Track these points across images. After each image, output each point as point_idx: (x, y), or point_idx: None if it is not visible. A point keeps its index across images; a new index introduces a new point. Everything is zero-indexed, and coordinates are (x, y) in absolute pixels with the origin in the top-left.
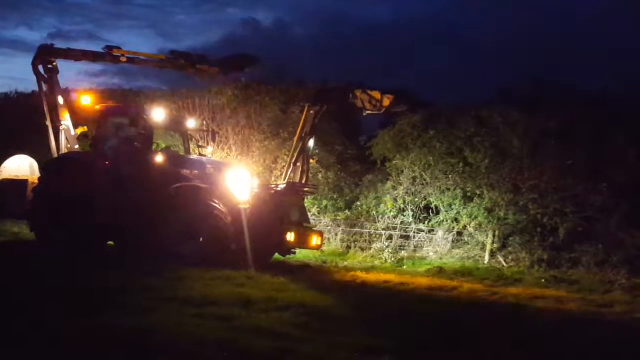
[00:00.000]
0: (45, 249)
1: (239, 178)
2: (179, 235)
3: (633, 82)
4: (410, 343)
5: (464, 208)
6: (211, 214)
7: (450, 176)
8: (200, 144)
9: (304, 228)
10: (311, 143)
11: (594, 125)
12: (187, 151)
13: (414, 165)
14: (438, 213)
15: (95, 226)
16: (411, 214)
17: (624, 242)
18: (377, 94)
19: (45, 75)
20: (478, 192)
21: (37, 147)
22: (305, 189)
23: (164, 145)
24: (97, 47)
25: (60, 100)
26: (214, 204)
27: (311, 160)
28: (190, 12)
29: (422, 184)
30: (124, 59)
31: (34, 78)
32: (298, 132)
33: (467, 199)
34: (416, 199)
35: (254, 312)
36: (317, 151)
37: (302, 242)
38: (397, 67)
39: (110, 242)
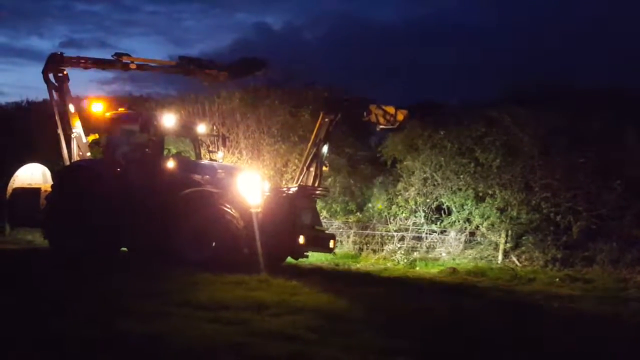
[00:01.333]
0: (60, 256)
1: (250, 182)
2: (192, 241)
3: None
4: (426, 345)
5: (476, 208)
6: (223, 219)
7: (462, 176)
8: (210, 148)
9: (315, 231)
10: (325, 149)
11: (605, 121)
12: (198, 156)
13: (424, 165)
14: (450, 214)
15: (108, 232)
16: (423, 214)
17: (638, 240)
18: (391, 109)
19: (56, 84)
20: (490, 192)
21: (49, 155)
22: (317, 192)
23: (174, 151)
24: (108, 55)
25: (72, 108)
26: (225, 209)
27: (324, 167)
28: (199, 18)
29: (434, 185)
30: (133, 66)
31: (45, 86)
32: (312, 137)
33: (479, 199)
34: (428, 200)
35: (267, 315)
36: (328, 155)
37: (314, 245)
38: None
39: (124, 248)
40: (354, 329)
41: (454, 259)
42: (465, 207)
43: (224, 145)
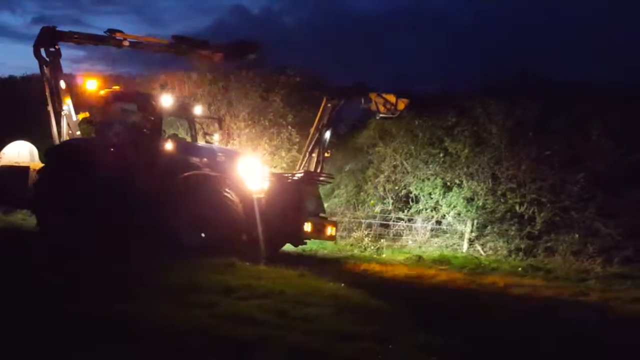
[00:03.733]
0: (47, 236)
1: (251, 167)
2: (189, 225)
3: (616, 71)
4: (388, 328)
5: (443, 197)
6: (222, 204)
7: (431, 165)
8: (205, 131)
9: (320, 218)
10: (327, 135)
11: (570, 115)
12: (194, 138)
13: (395, 153)
14: (417, 202)
15: (100, 214)
16: (391, 202)
17: (599, 232)
18: (392, 98)
19: (47, 59)
20: (457, 182)
21: (29, 133)
22: (321, 178)
23: (171, 132)
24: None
25: (62, 84)
26: (225, 193)
27: (326, 153)
28: None
29: (403, 172)
30: (126, 43)
31: (14, 63)
32: (315, 123)
33: (447, 188)
34: (396, 187)
35: (234, 299)
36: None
37: (318, 233)
38: (384, 55)
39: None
40: (318, 314)
41: (420, 247)
42: (432, 196)
43: (220, 127)
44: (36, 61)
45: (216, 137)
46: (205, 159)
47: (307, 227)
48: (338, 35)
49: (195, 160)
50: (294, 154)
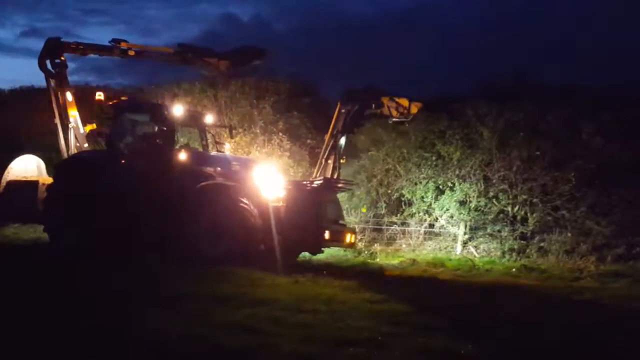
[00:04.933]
0: (59, 250)
1: (267, 175)
2: (206, 236)
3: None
4: (383, 333)
5: (435, 200)
6: (239, 213)
7: (423, 169)
8: (216, 139)
9: (339, 225)
10: (342, 141)
11: (560, 115)
12: (205, 148)
13: (388, 157)
14: (410, 205)
15: (114, 228)
16: (384, 205)
17: (591, 230)
18: (404, 101)
19: (53, 71)
20: (450, 185)
21: (33, 146)
22: (340, 184)
23: (184, 141)
24: None
25: (69, 96)
26: (242, 203)
27: (342, 160)
28: (161, 7)
29: (395, 176)
30: (132, 53)
31: (3, 76)
32: (330, 129)
33: (439, 191)
34: (389, 191)
35: (228, 307)
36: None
37: (338, 240)
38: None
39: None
40: (312, 320)
41: (414, 250)
42: (425, 199)
43: (232, 136)
44: (30, 72)
45: (227, 146)
46: (219, 169)
47: (327, 234)
48: (329, 41)
49: (209, 170)
50: (286, 159)
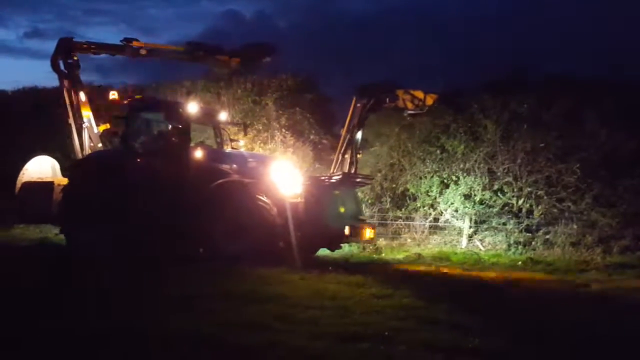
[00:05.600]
0: (77, 251)
1: (284, 171)
2: (226, 234)
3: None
4: (392, 329)
5: (440, 194)
6: (257, 210)
7: (428, 163)
8: (232, 137)
9: (358, 221)
10: (359, 135)
11: (564, 106)
12: (220, 145)
13: (392, 151)
14: (415, 200)
15: (132, 228)
16: (389, 200)
17: (597, 222)
18: (420, 94)
19: (66, 71)
20: (454, 178)
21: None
22: (359, 180)
23: (201, 139)
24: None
25: (82, 96)
26: (259, 200)
27: (358, 154)
28: (162, 6)
29: (400, 170)
30: (143, 52)
31: (6, 77)
32: (346, 124)
33: (444, 185)
34: (393, 186)
35: (236, 305)
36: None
37: (357, 236)
38: (380, 55)
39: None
40: (320, 315)
41: (419, 245)
42: (430, 193)
43: (245, 133)
44: (33, 73)
45: (242, 143)
46: (235, 166)
47: (347, 230)
48: (331, 37)
49: (225, 167)
50: (290, 156)
